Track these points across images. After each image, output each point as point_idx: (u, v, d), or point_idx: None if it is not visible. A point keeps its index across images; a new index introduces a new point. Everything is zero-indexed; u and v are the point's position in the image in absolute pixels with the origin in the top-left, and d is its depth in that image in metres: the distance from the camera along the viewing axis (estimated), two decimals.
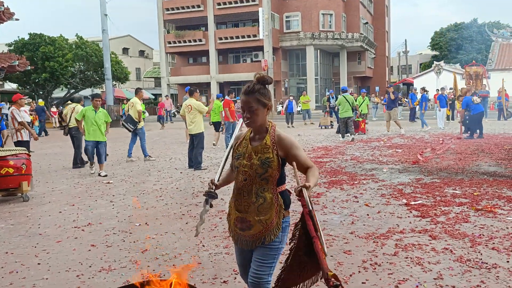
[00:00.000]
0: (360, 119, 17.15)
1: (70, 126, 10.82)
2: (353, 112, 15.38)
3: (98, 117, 9.27)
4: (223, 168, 2.68)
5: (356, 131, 16.36)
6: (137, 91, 11.80)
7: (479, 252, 4.19)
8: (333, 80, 49.09)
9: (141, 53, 57.36)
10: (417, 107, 23.52)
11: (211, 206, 2.65)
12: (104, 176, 9.17)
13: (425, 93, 19.80)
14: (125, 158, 11.75)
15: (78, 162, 10.70)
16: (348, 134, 15.00)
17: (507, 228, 4.89)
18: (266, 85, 2.54)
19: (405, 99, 21.86)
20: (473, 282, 3.55)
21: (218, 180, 2.68)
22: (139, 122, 11.11)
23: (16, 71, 21.52)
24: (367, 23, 51.08)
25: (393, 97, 16.71)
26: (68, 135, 11.01)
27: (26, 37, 33.20)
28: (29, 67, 22.64)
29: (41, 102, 25.72)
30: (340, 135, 15.50)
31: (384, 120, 17.40)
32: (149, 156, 11.52)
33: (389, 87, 17.40)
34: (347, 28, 46.47)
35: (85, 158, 10.59)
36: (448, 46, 54.39)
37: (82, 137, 10.67)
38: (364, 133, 16.95)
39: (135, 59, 54.75)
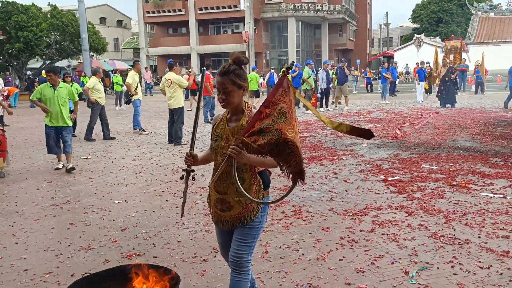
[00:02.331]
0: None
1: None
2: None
3: (59, 95, 7.27)
4: (194, 138, 2.63)
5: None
6: (134, 64, 11.70)
7: (452, 228, 4.32)
8: (315, 52, 48.86)
9: (119, 23, 55.82)
10: (398, 81, 23.81)
11: (193, 179, 2.64)
12: (70, 169, 7.31)
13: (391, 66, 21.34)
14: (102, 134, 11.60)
15: (88, 135, 10.72)
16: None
17: (480, 203, 5.03)
18: (242, 66, 2.51)
19: (385, 73, 21.98)
20: (445, 258, 3.66)
21: (191, 150, 2.63)
22: (132, 94, 11.26)
23: None
24: None
25: (348, 72, 16.76)
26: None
27: None
28: (1, 37, 21.90)
29: (44, 73, 25.18)
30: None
31: (342, 95, 16.99)
32: (142, 130, 11.49)
33: (342, 61, 17.43)
34: (329, 0, 45.98)
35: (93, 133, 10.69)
36: (429, 19, 54.38)
37: (97, 109, 10.66)
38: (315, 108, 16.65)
39: (113, 29, 53.28)
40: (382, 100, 19.06)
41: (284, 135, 2.19)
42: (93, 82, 10.73)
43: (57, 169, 7.53)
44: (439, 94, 16.44)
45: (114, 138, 10.73)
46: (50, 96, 7.24)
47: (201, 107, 2.76)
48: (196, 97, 15.82)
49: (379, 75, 27.63)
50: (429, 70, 21.56)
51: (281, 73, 2.45)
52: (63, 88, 7.43)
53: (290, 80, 2.45)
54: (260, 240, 4.05)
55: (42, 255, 4.00)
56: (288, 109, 2.26)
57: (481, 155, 7.59)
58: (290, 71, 2.49)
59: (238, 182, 2.34)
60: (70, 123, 7.50)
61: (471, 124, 11.45)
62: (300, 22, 43.74)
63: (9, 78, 26.96)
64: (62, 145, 7.50)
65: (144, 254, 3.95)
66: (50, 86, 7.30)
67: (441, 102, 16.20)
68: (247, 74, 16.04)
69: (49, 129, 7.35)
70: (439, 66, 17.74)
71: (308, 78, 15.51)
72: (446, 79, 15.98)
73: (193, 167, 2.64)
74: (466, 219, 4.55)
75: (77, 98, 7.83)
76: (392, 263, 3.60)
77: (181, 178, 2.66)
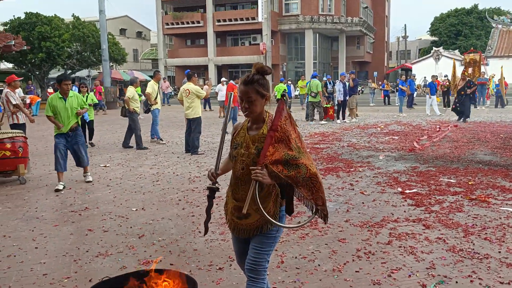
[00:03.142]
0: (329, 105, 17.02)
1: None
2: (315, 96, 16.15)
3: (71, 105, 6.81)
4: (219, 157, 2.68)
5: (324, 117, 16.75)
6: (155, 74, 11.79)
7: (471, 242, 4.25)
8: (332, 65, 48.89)
9: (139, 34, 56.79)
10: (415, 93, 23.66)
11: (213, 197, 2.68)
12: (88, 182, 7.16)
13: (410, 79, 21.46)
14: (121, 142, 11.77)
15: (141, 145, 10.73)
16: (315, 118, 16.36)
17: (500, 218, 4.95)
18: (265, 75, 2.54)
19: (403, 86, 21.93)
20: (464, 272, 3.61)
21: (217, 170, 2.69)
22: (151, 104, 11.35)
23: (12, 50, 21.28)
24: (367, 7, 50.69)
25: (352, 84, 16.65)
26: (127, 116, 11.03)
27: (22, 16, 32.77)
28: (25, 47, 22.39)
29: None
30: (309, 119, 16.34)
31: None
32: (159, 139, 11.59)
33: (350, 73, 17.31)
34: (346, 12, 46.10)
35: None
36: (448, 32, 54.07)
37: (136, 118, 10.65)
38: (332, 120, 16.71)
39: (132, 40, 54.23)
40: (399, 113, 18.98)
41: (309, 170, 2.39)
42: (132, 92, 10.79)
43: (57, 190, 6.69)
44: (453, 106, 16.00)
45: (132, 147, 10.85)
46: (61, 107, 6.75)
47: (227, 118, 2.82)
48: None
49: (397, 87, 27.56)
50: (447, 83, 21.39)
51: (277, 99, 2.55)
52: (74, 97, 6.93)
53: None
54: (276, 250, 4.05)
55: (61, 260, 4.07)
56: (300, 143, 2.47)
57: (501, 169, 7.47)
58: (285, 98, 2.62)
59: (261, 207, 2.40)
60: (81, 134, 7.10)
61: (491, 137, 11.29)
62: (317, 34, 43.89)
63: (31, 87, 27.60)
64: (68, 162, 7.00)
65: (160, 261, 3.98)
66: (60, 97, 6.79)
67: (457, 113, 15.81)
68: (277, 85, 16.41)
69: (59, 138, 6.83)
70: (457, 78, 17.47)
71: (319, 91, 15.74)
72: (462, 93, 15.41)
73: (217, 185, 2.66)
74: (486, 233, 4.48)
75: (87, 106, 7.42)
76: (409, 275, 3.56)
77: (209, 196, 2.68)
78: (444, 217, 5.01)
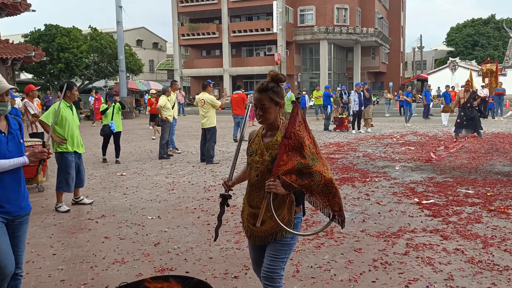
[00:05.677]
0: (344, 116, 16.93)
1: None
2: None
3: (76, 116, 6.22)
4: (234, 166, 2.71)
5: (339, 128, 16.83)
6: (172, 84, 11.77)
7: (491, 253, 4.18)
8: (347, 75, 48.82)
9: (155, 45, 57.51)
10: (431, 104, 23.47)
11: (227, 205, 2.70)
12: (89, 203, 6.40)
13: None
14: (138, 151, 11.88)
15: (163, 153, 10.67)
16: None
17: None
18: (280, 83, 2.57)
19: (419, 95, 21.86)
20: (484, 284, 3.54)
21: (231, 180, 2.72)
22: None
23: (32, 61, 21.74)
24: (382, 18, 50.63)
25: (368, 95, 16.43)
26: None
27: (42, 28, 33.53)
28: (44, 58, 22.84)
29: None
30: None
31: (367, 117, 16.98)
32: (175, 148, 11.62)
33: (363, 84, 17.14)
34: (361, 23, 46.10)
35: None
36: (464, 42, 53.66)
37: (167, 127, 10.56)
38: (347, 130, 16.68)
39: (148, 51, 54.92)
40: (406, 123, 18.99)
41: (324, 177, 2.39)
42: (164, 100, 10.76)
43: (66, 211, 6.06)
44: (458, 120, 14.08)
45: (171, 156, 10.87)
46: (71, 119, 6.08)
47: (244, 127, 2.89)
48: (157, 126, 16.11)
49: (413, 98, 27.37)
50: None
51: (290, 103, 2.56)
52: (73, 106, 6.27)
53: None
54: (291, 259, 4.03)
55: (78, 266, 4.11)
56: (314, 148, 2.47)
57: None
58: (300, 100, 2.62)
59: (275, 215, 2.42)
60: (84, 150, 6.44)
61: (510, 148, 11.11)
62: (332, 45, 43.95)
63: (50, 97, 28.15)
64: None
65: (176, 269, 3.99)
66: (68, 106, 6.10)
67: (455, 129, 14.00)
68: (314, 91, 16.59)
69: (72, 156, 6.14)
70: (460, 91, 16.88)
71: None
72: (468, 105, 13.93)
73: (230, 193, 2.70)
74: (506, 245, 4.40)
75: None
76: (427, 286, 3.51)
77: (221, 204, 2.72)
78: (462, 228, 4.94)
